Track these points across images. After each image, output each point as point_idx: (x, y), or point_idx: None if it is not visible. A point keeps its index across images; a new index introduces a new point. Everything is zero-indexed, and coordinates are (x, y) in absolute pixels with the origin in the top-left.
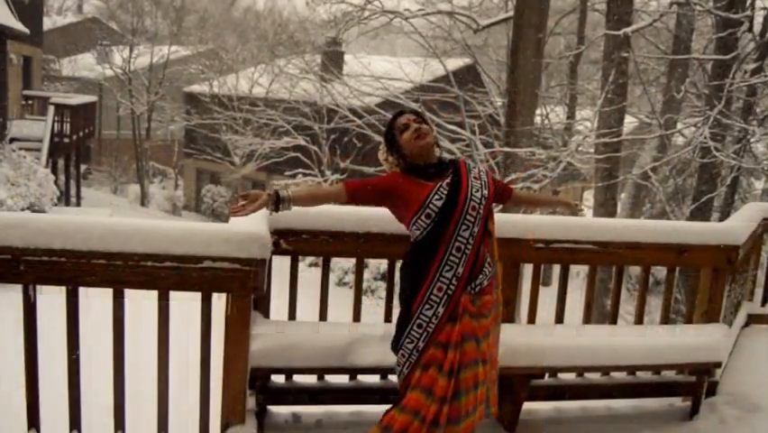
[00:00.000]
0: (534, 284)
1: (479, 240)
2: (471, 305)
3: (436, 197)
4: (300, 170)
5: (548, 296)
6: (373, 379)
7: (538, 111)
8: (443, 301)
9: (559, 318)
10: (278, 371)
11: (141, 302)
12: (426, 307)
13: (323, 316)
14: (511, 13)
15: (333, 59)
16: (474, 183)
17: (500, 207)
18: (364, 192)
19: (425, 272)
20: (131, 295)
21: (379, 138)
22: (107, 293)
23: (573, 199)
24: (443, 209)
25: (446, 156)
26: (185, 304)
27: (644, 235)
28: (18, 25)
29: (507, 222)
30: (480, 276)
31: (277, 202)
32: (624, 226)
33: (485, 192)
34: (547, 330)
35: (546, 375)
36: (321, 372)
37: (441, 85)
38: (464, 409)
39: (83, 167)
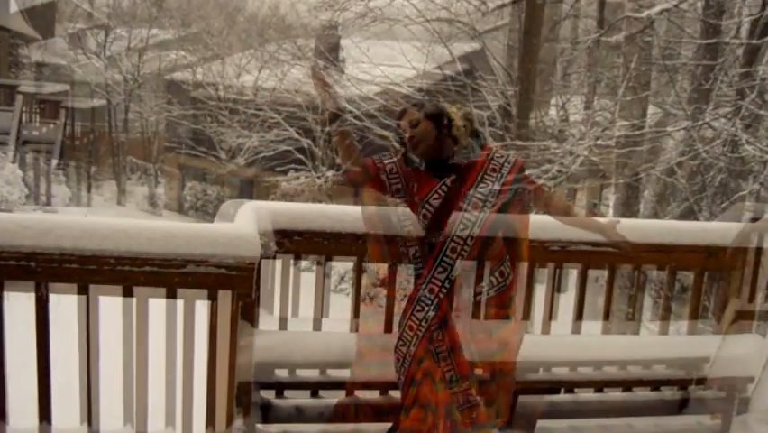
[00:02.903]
0: (549, 290)
1: (479, 242)
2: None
3: (435, 195)
4: (292, 165)
5: (564, 303)
6: (372, 394)
7: (553, 101)
8: (434, 305)
9: (576, 328)
10: (267, 386)
11: (118, 308)
12: (417, 308)
13: (317, 325)
14: None
15: (328, 44)
16: (489, 176)
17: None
18: (384, 174)
19: (418, 271)
20: (107, 299)
21: (378, 130)
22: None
23: (591, 198)
24: (439, 209)
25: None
26: (167, 310)
27: (669, 237)
28: None
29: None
30: (482, 284)
31: (336, 117)
32: (647, 227)
33: (494, 188)
34: (564, 341)
35: (562, 390)
36: (315, 386)
37: (446, 72)
38: (462, 426)
39: (54, 162)
